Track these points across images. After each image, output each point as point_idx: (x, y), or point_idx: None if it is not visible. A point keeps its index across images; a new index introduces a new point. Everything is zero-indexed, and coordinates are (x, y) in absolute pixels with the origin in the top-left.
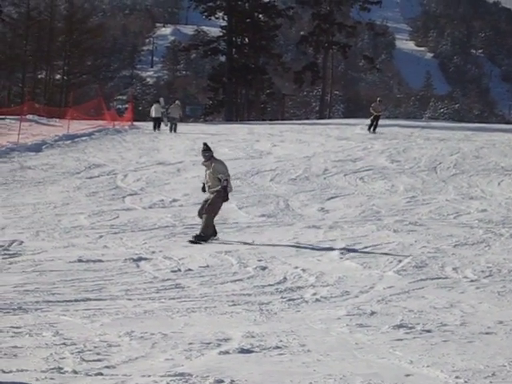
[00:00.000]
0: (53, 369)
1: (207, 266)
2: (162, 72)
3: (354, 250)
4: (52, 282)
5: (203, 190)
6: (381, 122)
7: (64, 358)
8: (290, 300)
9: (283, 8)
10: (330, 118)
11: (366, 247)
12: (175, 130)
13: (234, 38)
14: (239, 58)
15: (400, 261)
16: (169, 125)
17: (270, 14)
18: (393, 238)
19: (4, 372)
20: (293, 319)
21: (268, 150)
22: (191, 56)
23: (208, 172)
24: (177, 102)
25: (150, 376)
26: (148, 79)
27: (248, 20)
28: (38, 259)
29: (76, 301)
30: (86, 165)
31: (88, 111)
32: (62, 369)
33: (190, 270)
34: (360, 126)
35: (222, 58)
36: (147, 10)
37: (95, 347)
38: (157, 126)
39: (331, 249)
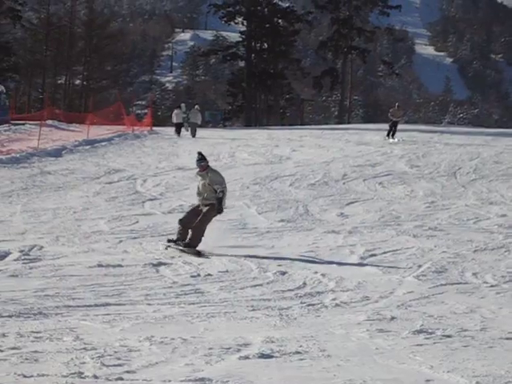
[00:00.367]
0: (73, 373)
1: (226, 271)
2: (181, 77)
3: (374, 255)
4: (72, 286)
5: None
6: (400, 127)
7: (84, 362)
8: (309, 305)
9: (302, 13)
10: (349, 123)
11: (385, 252)
12: (195, 135)
13: (253, 43)
14: (258, 63)
15: (420, 266)
16: (190, 130)
17: (289, 19)
18: (412, 243)
19: (25, 376)
20: (313, 324)
21: (287, 155)
22: (210, 61)
23: (202, 183)
24: (196, 106)
25: (170, 381)
26: (167, 84)
27: (267, 25)
28: (58, 264)
29: (96, 306)
30: (105, 170)
31: (107, 116)
32: (82, 373)
33: (209, 275)
34: (379, 132)
35: (241, 63)
36: (166, 15)
37: (115, 352)
38: (178, 131)
39: (351, 254)
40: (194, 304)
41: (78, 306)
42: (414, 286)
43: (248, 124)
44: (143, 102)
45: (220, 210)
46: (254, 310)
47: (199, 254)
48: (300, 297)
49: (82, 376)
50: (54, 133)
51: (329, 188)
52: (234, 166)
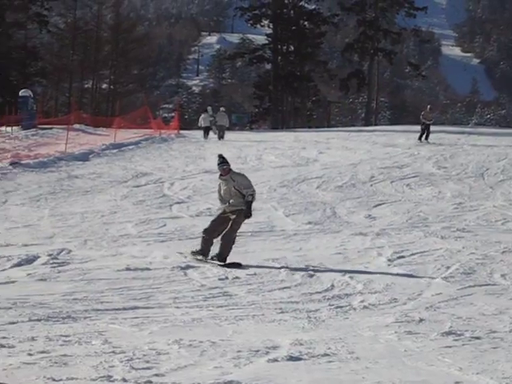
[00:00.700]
0: (102, 377)
1: (254, 274)
2: (208, 80)
3: (402, 257)
4: (100, 290)
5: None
6: None
7: (113, 366)
8: (337, 307)
9: (328, 15)
10: (376, 124)
11: (413, 254)
12: (223, 137)
13: (279, 46)
14: (285, 66)
15: (448, 267)
16: (217, 133)
17: (315, 22)
18: (440, 245)
19: (54, 380)
20: (341, 326)
21: (314, 158)
22: (237, 64)
23: (225, 188)
24: (222, 109)
25: None
26: (194, 88)
27: (293, 28)
28: (86, 268)
29: (124, 309)
30: (132, 173)
31: (134, 120)
32: (111, 377)
33: (237, 277)
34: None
35: (268, 66)
36: (193, 18)
37: (144, 355)
38: (206, 135)
39: (379, 256)
40: (222, 307)
41: (107, 310)
42: (442, 288)
43: (275, 126)
44: (170, 106)
45: (249, 215)
46: (282, 312)
47: (237, 265)
48: (328, 299)
49: (111, 379)
50: (81, 137)
51: (356, 190)
52: (261, 168)
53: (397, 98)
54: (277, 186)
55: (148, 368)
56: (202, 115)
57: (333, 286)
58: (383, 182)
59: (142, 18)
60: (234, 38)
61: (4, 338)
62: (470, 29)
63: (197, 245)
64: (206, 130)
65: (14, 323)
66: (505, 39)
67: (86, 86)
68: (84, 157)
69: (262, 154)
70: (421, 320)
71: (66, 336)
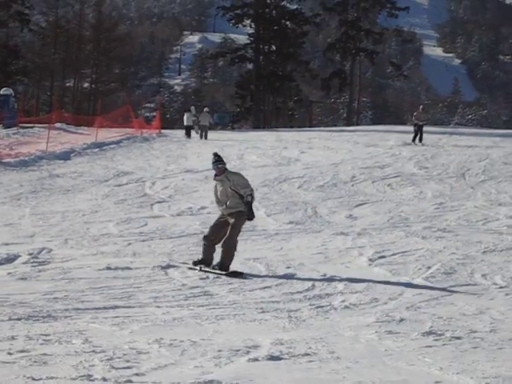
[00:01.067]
0: (82, 376)
1: None
2: (190, 80)
3: (383, 257)
4: (81, 289)
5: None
6: (409, 128)
7: (93, 365)
8: (318, 307)
9: (310, 15)
10: (357, 124)
11: (394, 254)
12: (206, 137)
13: (261, 46)
14: (266, 66)
15: (429, 267)
16: (199, 132)
17: (297, 22)
18: (421, 245)
19: (34, 379)
20: (322, 326)
21: (296, 157)
22: (219, 63)
23: (221, 189)
24: (205, 109)
25: (179, 383)
26: (176, 87)
27: (275, 27)
28: (66, 267)
29: (105, 308)
30: (114, 172)
31: (116, 119)
32: (91, 376)
33: (218, 277)
34: (395, 136)
35: (250, 66)
36: (174, 17)
37: (124, 354)
38: (188, 134)
39: (360, 255)
40: (203, 306)
41: (87, 309)
42: (422, 288)
43: (256, 126)
44: (152, 105)
45: (251, 217)
46: (263, 312)
47: (239, 274)
48: (309, 299)
49: (91, 379)
50: (63, 136)
51: (337, 190)
52: (242, 168)
53: (379, 98)
54: (258, 186)
55: (128, 367)
56: (186, 114)
57: (314, 285)
58: (365, 182)
59: (124, 16)
60: (216, 38)
61: None
62: (452, 29)
63: (198, 254)
64: (188, 129)
65: None
66: (486, 40)
67: (68, 84)
68: (65, 156)
69: (244, 153)
70: (401, 320)
71: (46, 335)
